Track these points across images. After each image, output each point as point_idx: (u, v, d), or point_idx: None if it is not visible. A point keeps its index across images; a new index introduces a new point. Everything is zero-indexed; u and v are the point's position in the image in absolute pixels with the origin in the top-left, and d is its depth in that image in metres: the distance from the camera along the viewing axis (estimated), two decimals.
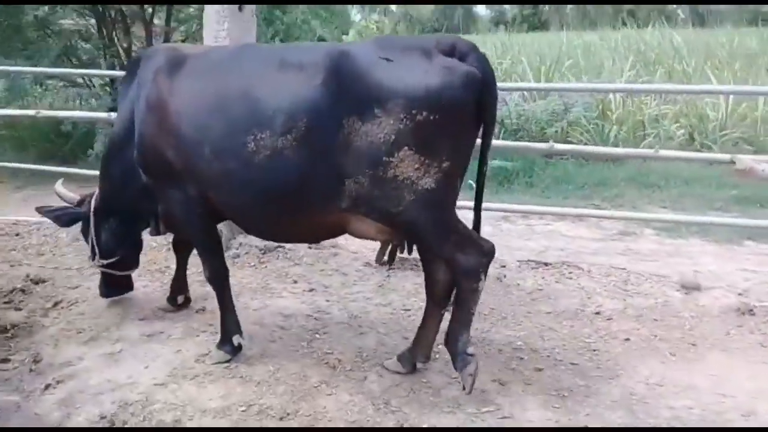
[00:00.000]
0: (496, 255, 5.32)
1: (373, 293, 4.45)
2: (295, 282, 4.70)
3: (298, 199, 3.15)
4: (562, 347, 3.75)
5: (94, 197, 4.06)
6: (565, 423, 3.06)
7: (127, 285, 4.35)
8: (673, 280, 4.81)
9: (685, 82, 11.25)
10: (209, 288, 4.49)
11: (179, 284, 4.26)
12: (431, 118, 2.91)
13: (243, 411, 3.13)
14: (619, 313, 4.18)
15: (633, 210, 7.40)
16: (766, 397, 3.27)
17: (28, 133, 10.52)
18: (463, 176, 3.20)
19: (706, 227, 6.33)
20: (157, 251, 5.19)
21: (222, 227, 4.90)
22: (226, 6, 4.96)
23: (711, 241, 6.24)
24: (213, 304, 4.22)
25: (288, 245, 5.20)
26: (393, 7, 37.57)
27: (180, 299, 4.22)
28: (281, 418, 3.08)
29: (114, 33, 9.54)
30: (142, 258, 4.98)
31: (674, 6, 28.31)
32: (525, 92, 10.02)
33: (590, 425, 3.04)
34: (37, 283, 4.64)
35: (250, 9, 5.10)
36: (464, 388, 3.10)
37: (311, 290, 4.49)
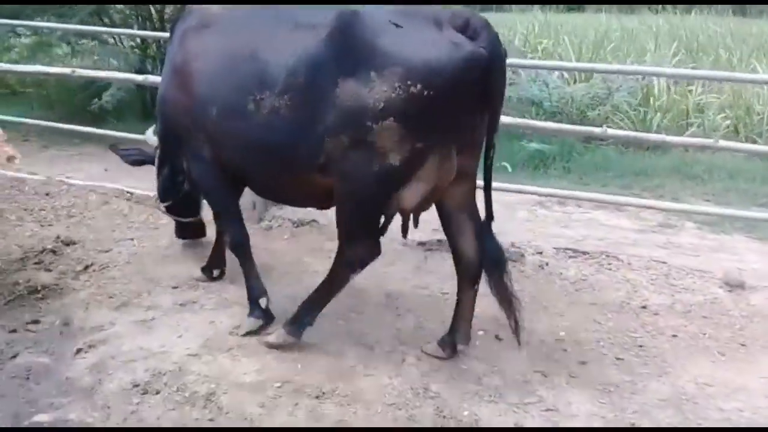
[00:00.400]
0: (533, 241, 5.35)
1: (410, 274, 4.33)
2: (329, 257, 4.54)
3: (291, 156, 3.14)
4: (607, 340, 3.61)
5: None
6: (611, 419, 2.94)
7: (195, 231, 4.48)
8: (717, 276, 4.62)
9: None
10: None
11: (217, 257, 4.17)
12: (425, 93, 2.81)
13: (278, 387, 3.05)
14: (666, 308, 4.02)
15: (674, 202, 7.20)
16: None
17: (55, 91, 10.51)
18: (448, 164, 3.04)
19: (751, 223, 6.11)
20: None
21: (256, 199, 4.82)
22: None
23: (755, 237, 6.02)
24: None
25: (321, 220, 5.09)
26: None
27: (216, 272, 4.14)
28: (317, 397, 3.00)
29: None
30: (172, 226, 4.93)
31: None
32: (565, 74, 9.73)
33: (638, 424, 2.92)
34: (67, 244, 4.57)
35: None
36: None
37: None
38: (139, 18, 9.55)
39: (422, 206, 3.22)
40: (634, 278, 4.42)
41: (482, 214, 3.35)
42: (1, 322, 3.65)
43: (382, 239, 4.78)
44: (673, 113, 9.32)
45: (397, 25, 2.90)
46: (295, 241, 4.82)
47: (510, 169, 8.02)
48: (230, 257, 4.30)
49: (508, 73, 9.51)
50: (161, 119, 3.78)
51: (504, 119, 5.80)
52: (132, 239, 4.72)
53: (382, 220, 3.19)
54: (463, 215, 3.33)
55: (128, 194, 5.59)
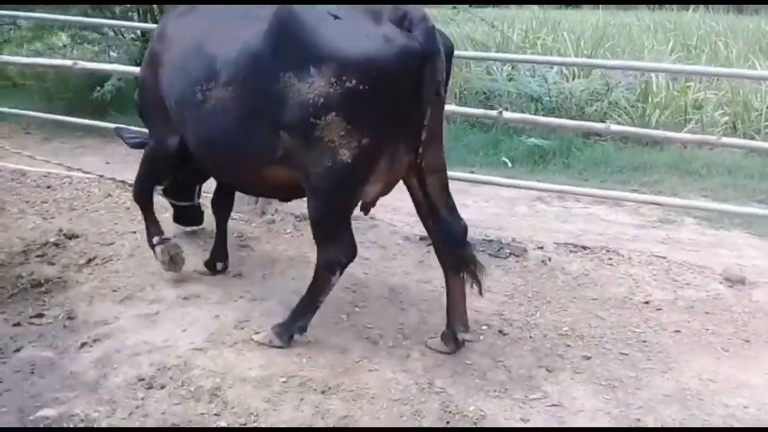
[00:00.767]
0: (534, 236, 5.37)
1: (413, 268, 4.33)
2: None
3: (244, 148, 3.20)
4: (610, 336, 3.62)
5: None
6: (616, 415, 2.95)
7: (192, 218, 4.54)
8: (717, 272, 4.64)
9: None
10: (244, 252, 4.47)
11: (220, 249, 4.16)
12: (360, 87, 2.83)
13: (284, 382, 3.04)
14: (668, 304, 4.03)
15: (673, 197, 7.21)
16: None
17: (55, 83, 10.46)
18: (396, 162, 3.08)
19: (750, 219, 6.13)
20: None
21: None
22: None
23: (754, 233, 6.04)
24: (250, 270, 4.17)
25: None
26: None
27: (219, 266, 4.13)
28: (323, 392, 2.99)
29: None
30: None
31: None
32: (564, 69, 9.73)
33: (643, 419, 2.93)
34: (70, 237, 4.56)
35: None
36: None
37: None
38: (140, 10, 9.51)
39: (377, 198, 3.29)
40: (636, 273, 4.43)
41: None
42: (5, 315, 3.64)
43: (384, 234, 4.83)
44: (672, 109, 9.34)
45: (335, 17, 2.91)
46: (298, 235, 4.81)
47: (510, 165, 8.05)
48: (233, 251, 4.32)
49: (507, 68, 9.53)
50: (140, 102, 3.96)
51: (510, 115, 5.85)
52: (134, 232, 4.70)
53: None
54: (438, 206, 3.31)
55: (130, 187, 5.56)
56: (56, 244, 4.46)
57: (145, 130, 4.22)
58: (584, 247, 5.06)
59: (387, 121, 2.96)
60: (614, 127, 5.16)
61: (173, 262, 3.97)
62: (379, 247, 4.67)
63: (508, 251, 4.62)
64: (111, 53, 9.86)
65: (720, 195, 7.23)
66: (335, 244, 3.19)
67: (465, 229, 3.34)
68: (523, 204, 6.70)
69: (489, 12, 12.42)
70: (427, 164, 3.14)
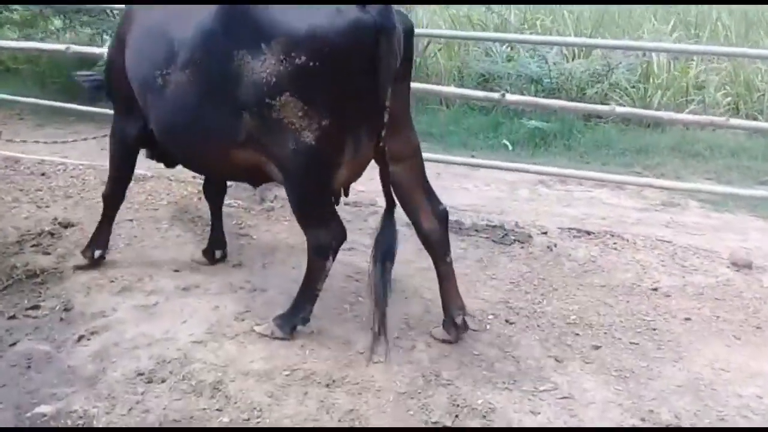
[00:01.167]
0: (537, 221, 5.29)
1: (415, 256, 4.22)
2: None
3: (208, 132, 3.11)
4: (619, 324, 3.55)
5: None
6: (629, 407, 2.88)
7: None
8: (724, 256, 4.57)
9: None
10: (243, 241, 4.38)
11: (217, 237, 4.07)
12: (311, 64, 2.74)
13: (287, 375, 2.97)
14: (677, 290, 3.96)
15: (676, 180, 7.12)
16: None
17: (48, 67, 10.30)
18: (362, 145, 2.99)
19: (754, 201, 6.06)
20: (188, 199, 5.00)
21: None
22: None
23: (759, 216, 5.96)
24: (249, 260, 4.08)
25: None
26: None
27: (218, 254, 4.04)
28: (327, 385, 2.92)
29: None
30: (173, 207, 4.84)
31: None
32: (564, 50, 9.58)
33: (656, 411, 2.86)
34: (65, 226, 4.47)
35: None
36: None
37: (350, 249, 4.25)
38: None
39: (347, 184, 3.24)
40: (644, 259, 4.36)
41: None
42: (0, 308, 3.55)
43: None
44: (673, 90, 9.22)
45: None
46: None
47: (510, 147, 7.94)
48: (232, 240, 4.23)
49: (506, 49, 9.35)
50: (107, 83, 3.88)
51: (513, 98, 5.74)
52: (131, 220, 4.62)
53: None
54: (416, 191, 3.29)
55: None
56: (51, 233, 4.37)
57: None
58: (588, 232, 4.99)
59: (345, 101, 2.86)
60: (619, 109, 5.08)
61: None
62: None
63: (513, 237, 4.54)
64: (105, 37, 9.67)
65: (724, 177, 7.14)
66: (321, 229, 3.11)
67: (445, 213, 3.29)
68: (524, 187, 6.60)
69: None
70: (395, 150, 3.06)
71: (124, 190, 3.94)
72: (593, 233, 4.97)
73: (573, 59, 9.46)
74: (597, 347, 3.32)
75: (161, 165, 4.15)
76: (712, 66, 9.85)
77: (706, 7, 14.58)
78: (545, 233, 4.87)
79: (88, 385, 2.93)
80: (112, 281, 3.78)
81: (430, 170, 6.48)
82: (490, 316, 3.54)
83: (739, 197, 5.89)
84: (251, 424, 2.70)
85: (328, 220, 3.11)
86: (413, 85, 6.60)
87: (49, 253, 4.12)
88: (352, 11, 2.74)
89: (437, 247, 3.31)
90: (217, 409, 2.78)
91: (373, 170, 3.20)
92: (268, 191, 5.00)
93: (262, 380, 2.93)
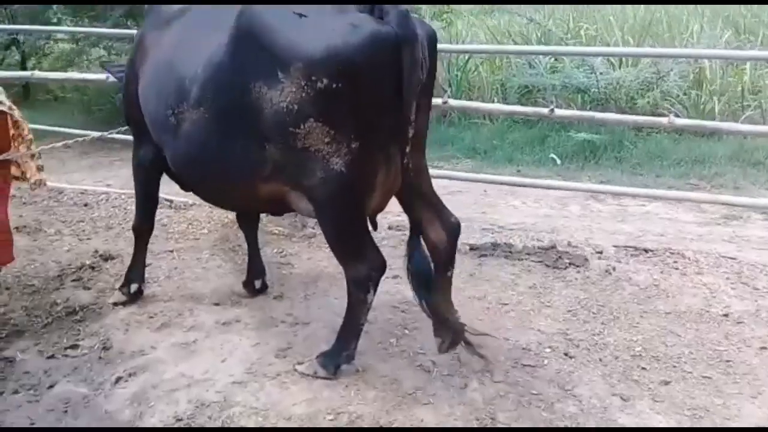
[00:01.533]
0: (590, 239, 5.02)
1: (465, 283, 4.03)
2: None
3: (231, 169, 2.96)
4: (689, 355, 3.28)
5: None
6: None
7: None
8: None
9: None
10: (285, 270, 4.24)
11: (255, 266, 3.93)
12: (333, 86, 2.55)
13: (331, 420, 2.79)
14: (750, 316, 3.66)
15: (735, 191, 6.77)
16: None
17: (94, 96, 10.45)
18: (393, 165, 2.84)
19: None
20: (229, 227, 4.89)
21: None
22: None
23: None
24: (291, 291, 3.94)
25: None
26: None
27: (257, 284, 3.90)
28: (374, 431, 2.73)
29: None
30: (214, 235, 4.75)
31: None
32: (611, 58, 9.26)
33: None
34: (106, 259, 4.41)
35: None
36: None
37: (395, 277, 4.07)
38: None
39: (379, 209, 3.04)
40: (711, 282, 4.06)
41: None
42: (39, 347, 3.46)
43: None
44: (728, 96, 8.82)
45: (300, 15, 2.67)
46: None
47: (558, 161, 7.68)
48: (273, 270, 4.10)
49: (550, 60, 9.08)
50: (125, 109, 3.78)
51: (563, 113, 5.49)
52: (172, 251, 4.54)
53: None
54: (422, 204, 3.11)
55: (168, 202, 5.42)
56: (92, 267, 4.31)
57: None
58: (646, 250, 4.72)
59: (373, 120, 2.69)
60: (678, 121, 4.75)
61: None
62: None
63: (567, 261, 4.29)
64: None
65: None
66: (359, 260, 2.92)
67: (457, 226, 3.12)
68: (575, 203, 6.34)
69: (525, 6, 11.95)
70: (414, 167, 2.90)
71: (152, 217, 3.84)
72: (651, 251, 4.69)
73: (620, 67, 9.14)
74: (666, 382, 3.05)
75: None
76: (764, 71, 9.40)
77: (756, 7, 14.05)
78: (600, 252, 4.61)
79: None
80: (151, 317, 3.67)
81: (476, 188, 6.41)
82: (548, 350, 3.30)
83: None
84: None
85: (366, 250, 2.93)
86: (458, 102, 6.50)
87: (89, 288, 4.04)
88: (368, 24, 2.58)
89: (442, 259, 3.12)
90: None
91: None
92: (309, 217, 4.86)
93: (305, 425, 2.76)
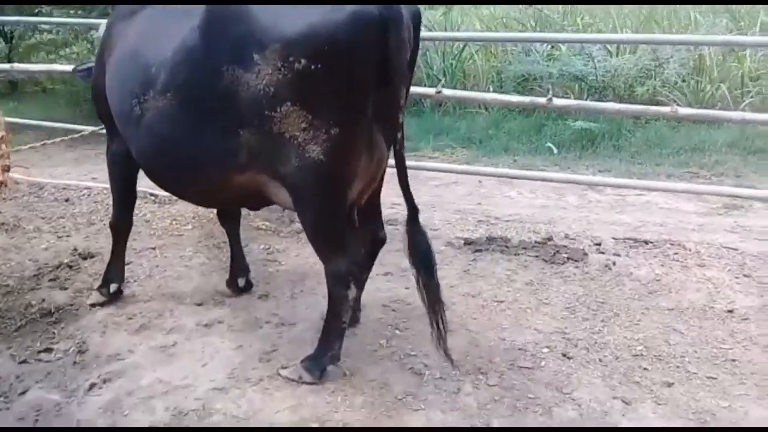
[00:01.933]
0: (588, 231, 4.86)
1: (459, 280, 3.87)
2: None
3: (202, 159, 2.80)
4: (693, 355, 3.12)
5: None
6: None
7: None
8: None
9: None
10: (271, 268, 4.08)
11: (238, 263, 3.76)
12: (312, 67, 2.39)
13: (316, 428, 2.63)
14: (756, 311, 3.50)
15: (736, 179, 6.61)
16: None
17: (82, 88, 10.26)
18: (376, 152, 2.73)
19: None
20: (214, 222, 4.70)
21: None
22: None
23: None
24: (277, 289, 3.77)
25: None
26: None
27: (241, 282, 3.73)
28: None
29: None
30: (198, 231, 4.59)
31: None
32: (608, 46, 9.06)
33: None
34: (85, 258, 4.23)
35: None
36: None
37: (386, 274, 3.93)
38: None
39: (361, 196, 2.89)
40: (714, 276, 3.90)
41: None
42: (12, 350, 3.29)
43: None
44: (728, 83, 8.65)
45: None
46: None
47: (555, 150, 7.52)
48: (259, 267, 3.94)
49: (547, 48, 8.86)
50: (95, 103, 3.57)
51: (561, 102, 5.32)
52: (154, 248, 4.36)
53: None
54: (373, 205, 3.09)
55: (152, 197, 5.25)
56: (70, 266, 4.13)
57: None
58: (646, 242, 4.57)
59: (355, 104, 2.53)
60: (682, 111, 4.58)
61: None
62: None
63: (566, 255, 4.12)
64: None
65: None
66: (339, 254, 2.77)
67: (384, 241, 3.20)
68: (572, 193, 6.17)
69: None
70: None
71: (130, 214, 3.68)
72: (652, 243, 4.54)
73: (618, 55, 8.96)
74: (670, 384, 2.89)
75: None
76: (765, 56, 9.22)
77: None
78: (599, 245, 4.45)
79: None
80: (130, 318, 3.51)
81: (471, 178, 6.24)
82: (545, 350, 3.14)
83: None
84: None
85: (346, 243, 2.79)
86: (452, 92, 6.31)
87: (66, 288, 3.87)
88: (350, 5, 2.42)
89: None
90: None
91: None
92: None
93: None
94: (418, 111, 8.81)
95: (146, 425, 2.69)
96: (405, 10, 2.52)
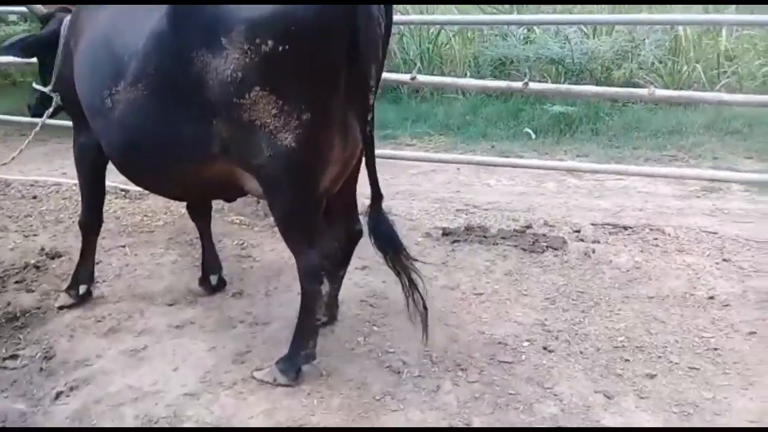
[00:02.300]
0: (567, 217, 4.81)
1: (437, 272, 3.79)
2: None
3: (175, 150, 2.72)
4: (674, 344, 3.07)
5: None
6: None
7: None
8: None
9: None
10: (245, 264, 3.98)
11: (210, 260, 3.66)
12: (279, 50, 2.31)
13: None
14: (737, 298, 3.46)
15: (714, 161, 6.60)
16: None
17: None
18: (350, 138, 2.64)
19: None
20: (187, 218, 4.58)
21: None
22: None
23: None
24: (251, 287, 3.67)
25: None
26: None
27: (213, 280, 3.62)
28: None
29: None
30: (170, 227, 4.46)
31: None
32: (584, 28, 8.98)
33: None
34: (53, 258, 4.09)
35: None
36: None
37: (364, 268, 3.84)
38: None
39: (335, 183, 2.78)
40: (694, 262, 3.86)
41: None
42: None
43: (402, 231, 4.27)
44: (703, 63, 8.62)
45: None
46: None
47: (533, 135, 7.45)
48: (232, 264, 3.84)
49: (524, 31, 8.75)
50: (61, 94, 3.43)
51: (538, 86, 5.24)
52: (124, 246, 4.24)
53: None
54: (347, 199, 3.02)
55: (122, 192, 5.11)
56: (37, 267, 3.99)
57: None
58: (625, 228, 4.54)
59: (326, 88, 2.45)
60: (659, 92, 4.52)
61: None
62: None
63: (545, 244, 4.06)
64: None
65: (765, 156, 6.59)
66: (310, 247, 2.68)
67: (360, 234, 3.11)
68: (551, 179, 6.11)
69: None
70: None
71: (99, 212, 3.56)
72: (631, 228, 4.51)
73: (594, 36, 8.89)
74: (652, 376, 2.84)
75: None
76: (743, 35, 9.22)
77: None
78: (578, 231, 4.41)
79: None
80: (99, 321, 3.39)
81: (450, 166, 6.16)
82: (525, 343, 3.08)
83: None
84: None
85: (317, 236, 2.71)
86: (427, 78, 6.21)
87: (32, 291, 3.73)
88: None
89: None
90: None
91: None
92: None
93: None
94: (395, 98, 8.70)
95: None
96: None
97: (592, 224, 4.62)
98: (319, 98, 2.45)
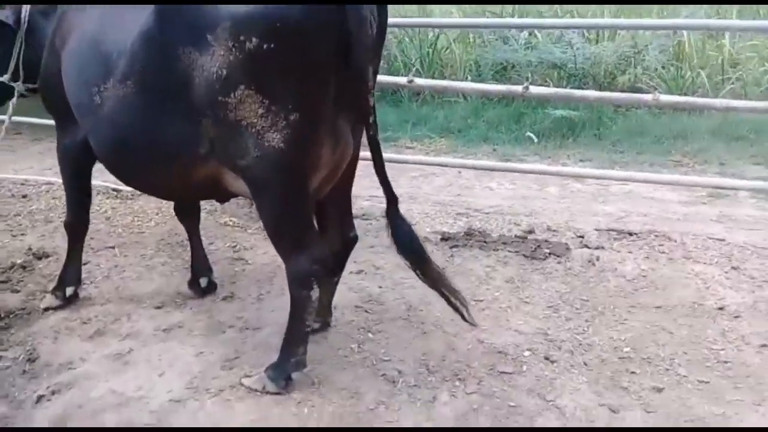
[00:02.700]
0: (570, 222, 4.69)
1: None
2: None
3: (164, 150, 2.64)
4: (683, 356, 2.94)
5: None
6: None
7: None
8: None
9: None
10: (237, 267, 3.86)
11: (199, 262, 3.55)
12: (264, 47, 2.23)
13: None
14: (748, 308, 3.33)
15: (720, 166, 6.48)
16: None
17: None
18: (341, 140, 2.56)
19: None
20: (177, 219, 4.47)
21: None
22: None
23: None
24: (243, 290, 3.55)
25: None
26: None
27: (203, 282, 3.51)
28: None
29: None
30: (161, 228, 4.35)
31: None
32: (586, 33, 8.88)
33: None
34: (40, 258, 3.98)
35: None
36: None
37: (359, 272, 3.73)
38: None
39: (324, 186, 2.69)
40: (702, 270, 3.73)
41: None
42: None
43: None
44: (708, 69, 8.52)
45: None
46: None
47: (535, 140, 7.34)
48: (224, 266, 3.72)
49: (526, 36, 8.63)
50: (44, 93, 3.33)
51: (538, 90, 5.13)
52: (113, 247, 4.12)
53: None
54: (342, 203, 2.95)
55: (113, 192, 5.00)
56: (23, 266, 3.88)
57: None
58: (630, 234, 4.42)
59: (315, 87, 2.36)
60: (665, 98, 4.40)
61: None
62: (395, 252, 4.00)
63: (547, 250, 3.93)
64: None
65: None
66: (300, 252, 2.57)
67: (355, 240, 3.04)
68: (553, 183, 6.00)
69: None
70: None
71: (86, 212, 3.44)
72: (636, 234, 4.40)
73: (597, 42, 8.78)
74: (659, 389, 2.71)
75: None
76: (745, 42, 9.12)
77: None
78: (582, 237, 4.29)
79: None
80: (85, 323, 3.27)
81: (450, 169, 6.04)
82: (527, 353, 2.95)
83: None
84: None
85: (308, 239, 2.59)
86: (425, 81, 6.09)
87: (18, 291, 3.62)
88: None
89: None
90: None
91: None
92: None
93: None
94: (395, 101, 8.60)
95: None
96: None
97: (596, 230, 4.51)
98: (307, 99, 2.37)
